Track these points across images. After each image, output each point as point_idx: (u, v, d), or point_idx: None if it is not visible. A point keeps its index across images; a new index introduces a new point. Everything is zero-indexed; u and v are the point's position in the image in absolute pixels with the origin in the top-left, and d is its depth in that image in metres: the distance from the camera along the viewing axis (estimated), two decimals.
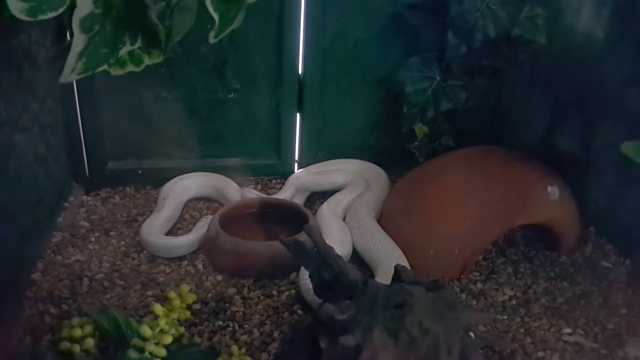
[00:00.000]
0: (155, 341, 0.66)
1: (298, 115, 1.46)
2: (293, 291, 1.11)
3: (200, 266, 1.18)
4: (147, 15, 0.72)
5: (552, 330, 1.05)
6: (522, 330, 1.05)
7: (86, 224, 1.29)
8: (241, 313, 1.05)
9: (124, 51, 0.72)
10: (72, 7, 0.65)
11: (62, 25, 0.79)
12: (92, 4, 0.64)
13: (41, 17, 0.63)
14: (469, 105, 1.36)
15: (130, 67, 0.75)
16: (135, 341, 0.67)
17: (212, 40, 0.71)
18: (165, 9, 0.75)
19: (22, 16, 0.61)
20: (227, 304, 1.06)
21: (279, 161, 1.50)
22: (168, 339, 0.68)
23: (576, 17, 1.23)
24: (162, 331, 0.68)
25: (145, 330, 0.67)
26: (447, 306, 0.81)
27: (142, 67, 0.76)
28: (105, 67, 0.70)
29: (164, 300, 1.02)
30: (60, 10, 0.63)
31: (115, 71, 0.73)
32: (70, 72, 0.67)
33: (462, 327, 0.79)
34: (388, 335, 0.75)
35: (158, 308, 0.70)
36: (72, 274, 1.11)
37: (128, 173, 1.44)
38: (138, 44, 0.73)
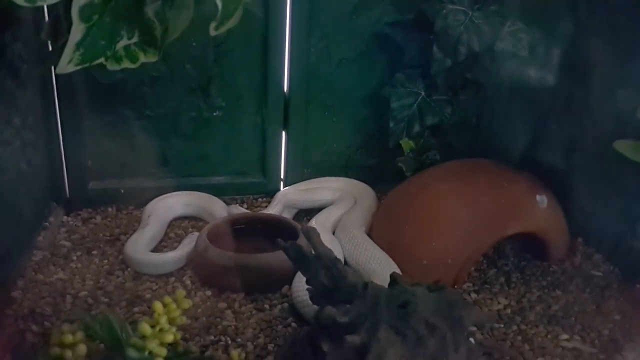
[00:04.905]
0: (156, 340, 0.63)
1: (283, 133, 1.46)
2: (286, 304, 1.08)
3: (188, 282, 1.14)
4: (143, 10, 0.72)
5: (549, 336, 1.04)
6: (519, 337, 1.03)
7: (67, 243, 1.24)
8: (233, 327, 1.01)
9: (120, 45, 0.71)
10: None
11: (56, 23, 0.78)
12: None
13: (40, 3, 0.61)
14: (454, 119, 1.38)
15: (126, 63, 0.74)
16: (135, 340, 0.64)
17: (212, 32, 0.70)
18: (162, 6, 0.74)
19: (20, 2, 0.60)
20: (218, 319, 1.03)
21: (265, 179, 1.49)
22: (169, 337, 0.64)
23: (554, 31, 1.27)
24: (162, 330, 0.64)
25: (145, 328, 0.64)
26: (450, 305, 0.79)
27: (137, 64, 0.75)
28: (102, 60, 0.69)
29: (151, 315, 0.98)
30: None
31: (112, 66, 0.71)
32: (67, 63, 0.65)
33: (467, 325, 0.77)
34: (394, 333, 0.73)
35: (158, 306, 0.67)
36: (54, 291, 1.07)
37: (110, 193, 1.40)
38: (135, 39, 0.72)
